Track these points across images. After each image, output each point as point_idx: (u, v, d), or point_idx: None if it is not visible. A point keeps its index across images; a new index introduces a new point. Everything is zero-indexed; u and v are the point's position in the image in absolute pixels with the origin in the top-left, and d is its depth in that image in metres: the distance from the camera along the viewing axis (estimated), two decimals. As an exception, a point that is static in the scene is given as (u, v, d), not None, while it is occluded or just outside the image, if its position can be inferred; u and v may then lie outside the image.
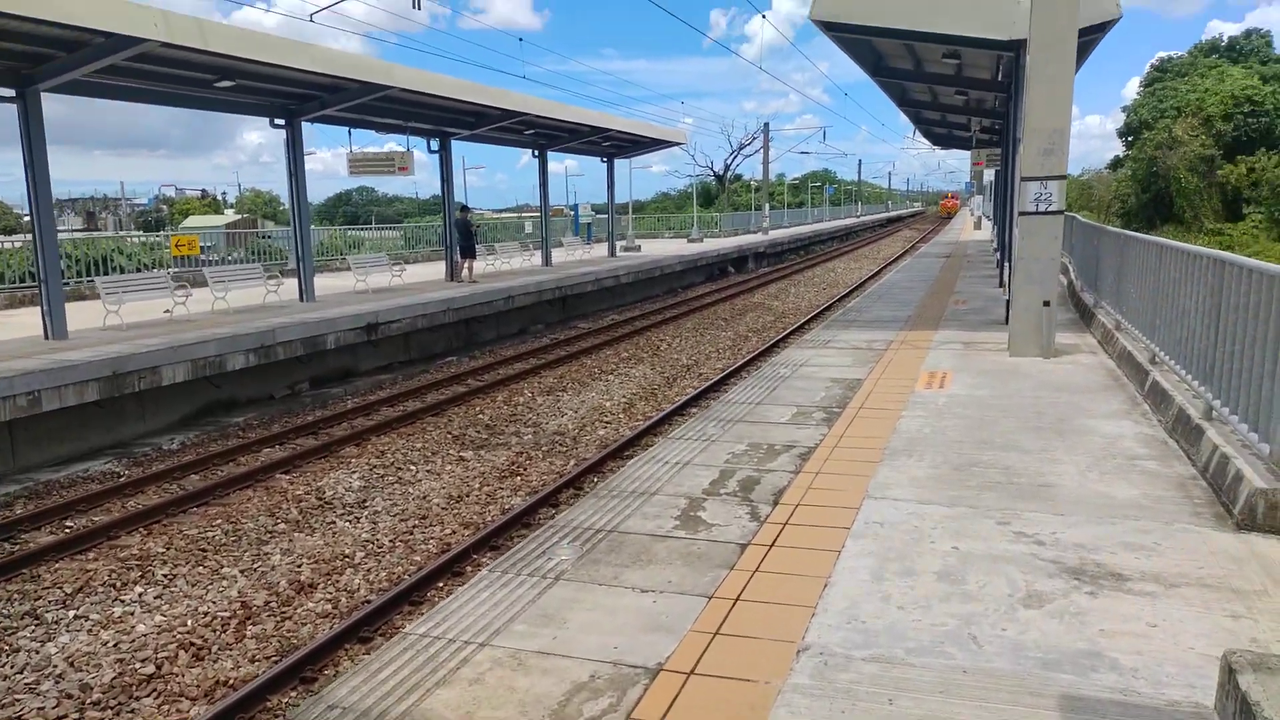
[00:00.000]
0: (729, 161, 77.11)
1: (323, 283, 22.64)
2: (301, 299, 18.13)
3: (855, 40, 12.78)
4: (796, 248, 50.85)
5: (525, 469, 10.90)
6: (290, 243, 18.09)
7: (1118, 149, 60.77)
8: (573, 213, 43.37)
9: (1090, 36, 10.56)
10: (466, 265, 22.21)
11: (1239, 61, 51.65)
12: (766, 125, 52.79)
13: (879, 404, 7.49)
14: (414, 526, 8.95)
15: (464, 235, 22.02)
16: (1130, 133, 54.34)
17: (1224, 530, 4.38)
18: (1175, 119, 48.72)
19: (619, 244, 36.84)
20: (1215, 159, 46.66)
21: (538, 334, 22.03)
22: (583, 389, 15.40)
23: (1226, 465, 4.81)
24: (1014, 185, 9.78)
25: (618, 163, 32.48)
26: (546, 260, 27.88)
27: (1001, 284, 16.06)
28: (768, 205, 51.22)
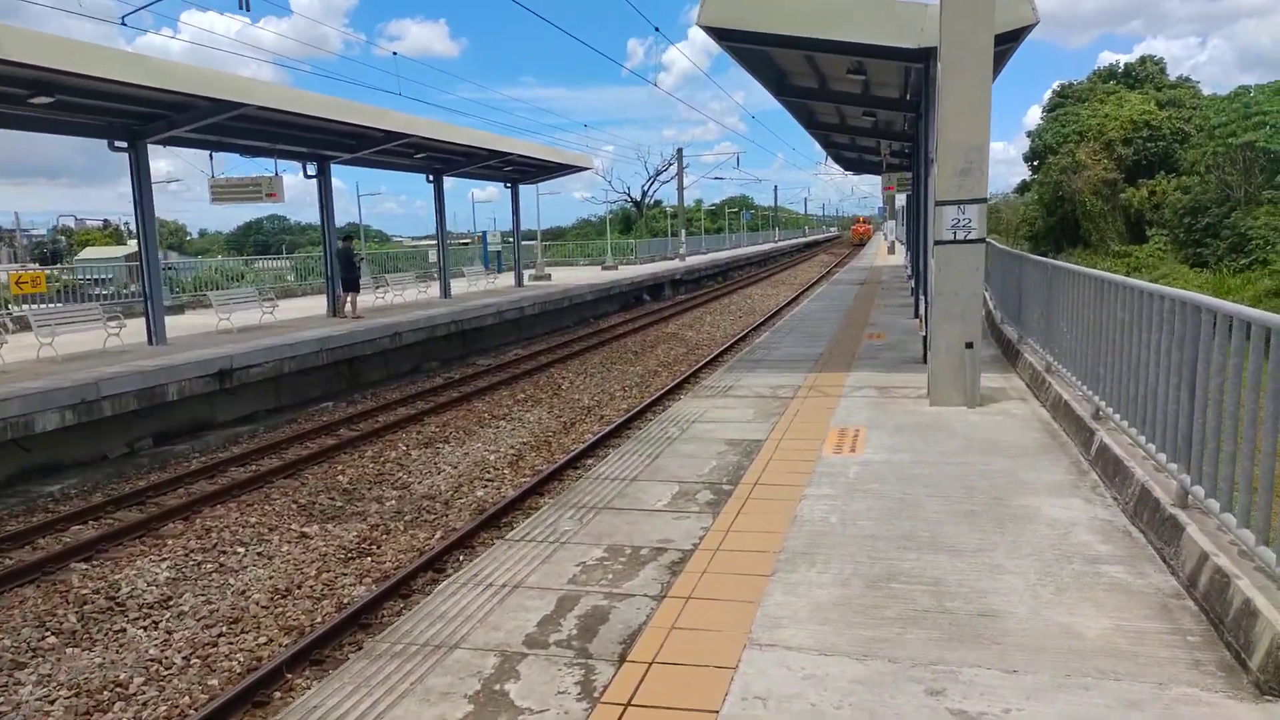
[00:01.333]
0: (645, 188, 76.44)
1: (192, 321, 20.57)
2: (151, 342, 16.09)
3: (751, 52, 11.61)
4: (714, 274, 50.04)
5: (380, 546, 9.24)
6: (143, 278, 16.07)
7: (1022, 173, 61.97)
8: (482, 240, 41.68)
9: (1005, 45, 9.54)
10: (349, 299, 20.39)
11: (1135, 87, 52.99)
12: (680, 151, 52.08)
13: (779, 477, 6.12)
14: (220, 635, 7.22)
15: (345, 267, 20.20)
16: (1035, 157, 55.23)
17: (1241, 696, 3.09)
18: (1078, 144, 49.56)
19: (528, 273, 35.31)
20: (1118, 182, 47.48)
21: (432, 373, 20.34)
22: (468, 439, 13.80)
23: (1226, 588, 3.55)
24: (927, 210, 8.63)
25: (527, 189, 31.06)
26: (445, 292, 26.17)
27: (917, 315, 15.05)
28: (684, 231, 50.32)
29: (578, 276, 36.65)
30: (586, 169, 30.50)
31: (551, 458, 12.62)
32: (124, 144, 15.55)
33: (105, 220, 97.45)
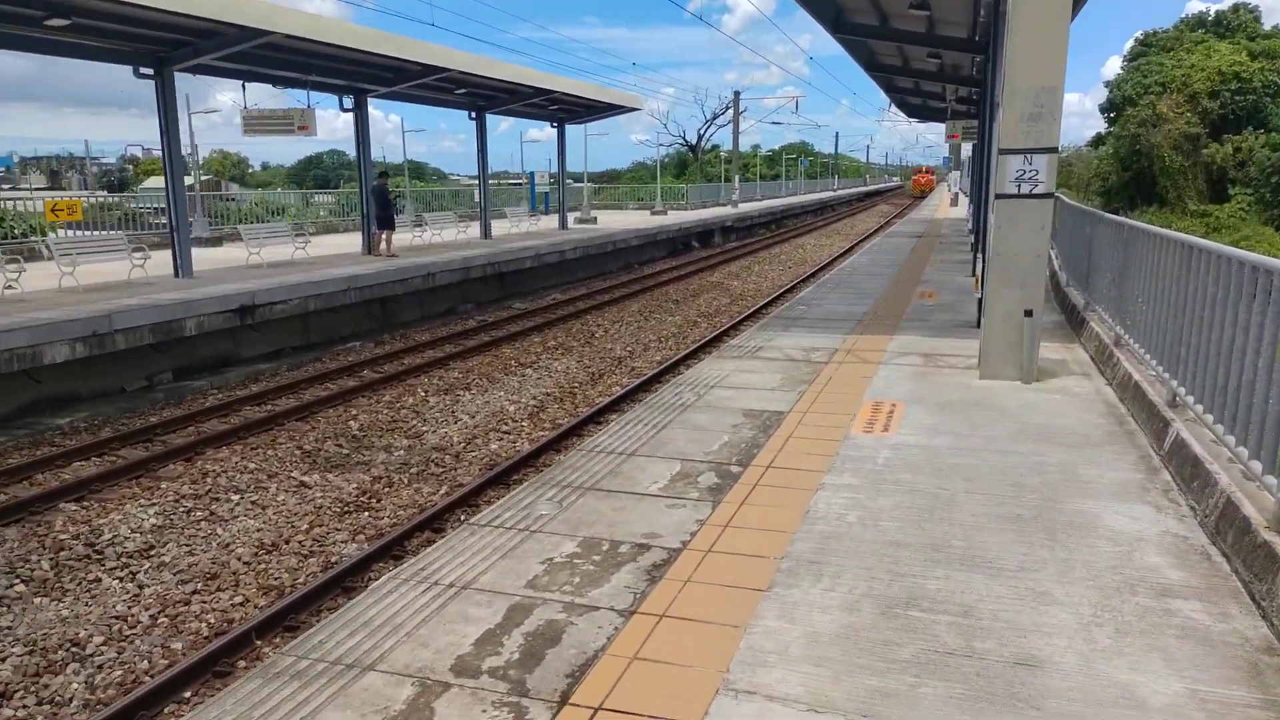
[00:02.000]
0: (702, 131, 74.60)
1: (227, 254, 20.27)
2: (177, 274, 15.75)
3: (805, -22, 10.54)
4: (767, 222, 48.70)
5: (380, 500, 8.74)
6: (168, 207, 15.68)
7: (1097, 126, 58.96)
8: (529, 181, 40.88)
9: (1091, -27, 8.40)
10: (384, 237, 19.86)
11: (1226, 37, 49.70)
12: (737, 94, 50.27)
13: (796, 460, 5.37)
14: (194, 592, 6.77)
15: (381, 204, 19.63)
16: (1113, 109, 52.36)
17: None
18: (1160, 95, 46.78)
19: (573, 216, 34.50)
20: (1201, 137, 44.82)
21: (465, 315, 19.82)
22: (491, 386, 13.25)
23: (1344, 655, 2.74)
24: (991, 160, 7.64)
25: (575, 130, 30.13)
26: (486, 233, 25.54)
27: (974, 273, 13.98)
28: (738, 177, 48.89)
29: (625, 220, 35.76)
30: (636, 109, 29.41)
31: (575, 410, 12.01)
32: (149, 71, 15.03)
33: (193, 148, 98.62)
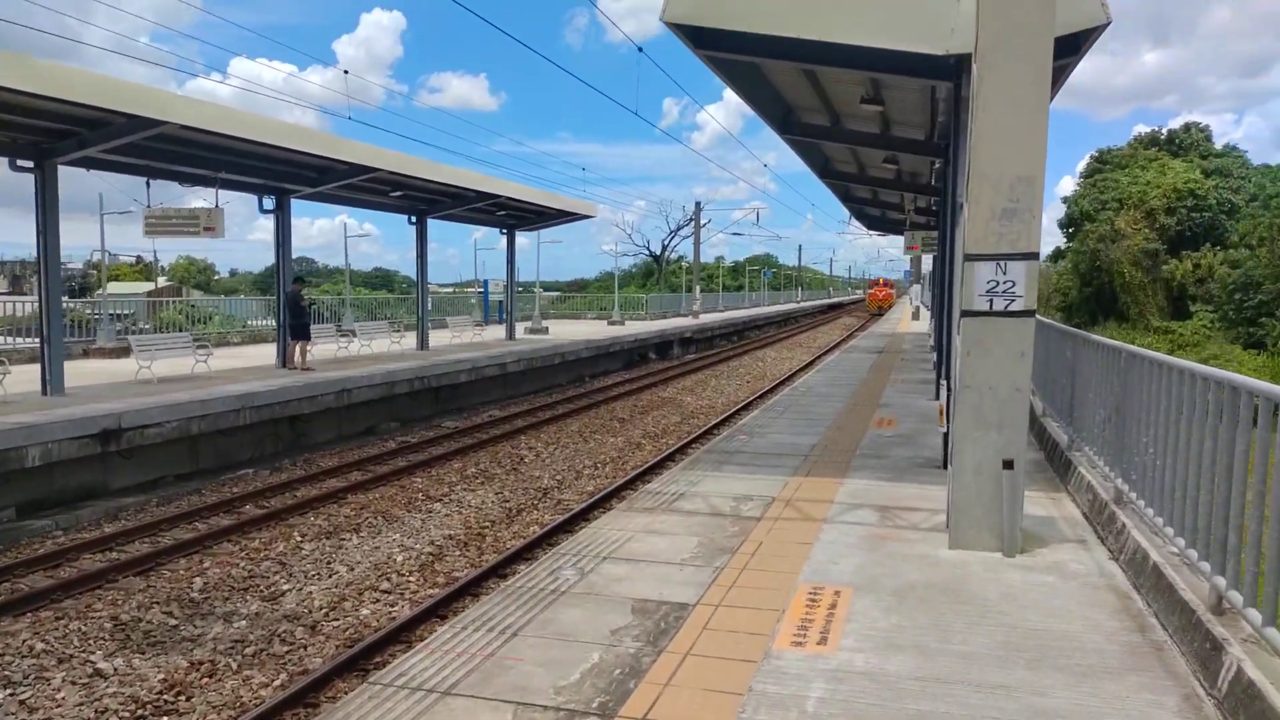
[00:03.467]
0: (666, 242, 74.64)
1: (122, 368, 18.31)
2: (45, 391, 13.88)
3: (740, 66, 9.33)
4: (729, 333, 47.71)
5: (190, 697, 6.77)
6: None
7: (1055, 241, 59.51)
8: (483, 288, 39.70)
9: (1065, 59, 7.17)
10: (299, 349, 18.17)
11: (1179, 155, 50.61)
12: (698, 205, 50.14)
13: (687, 704, 3.62)
14: None
15: (294, 312, 18.02)
16: (1071, 224, 52.76)
17: None
18: (1117, 211, 47.11)
19: (524, 325, 33.14)
20: (1159, 253, 44.88)
21: (388, 435, 18.02)
22: (386, 527, 11.39)
23: None
24: (955, 269, 6.20)
25: (527, 237, 29.05)
26: (422, 344, 23.93)
27: (937, 399, 12.50)
28: (699, 288, 48.15)
29: (580, 331, 34.44)
30: (588, 216, 28.43)
31: (478, 559, 10.19)
32: (28, 164, 13.54)
33: (138, 256, 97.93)
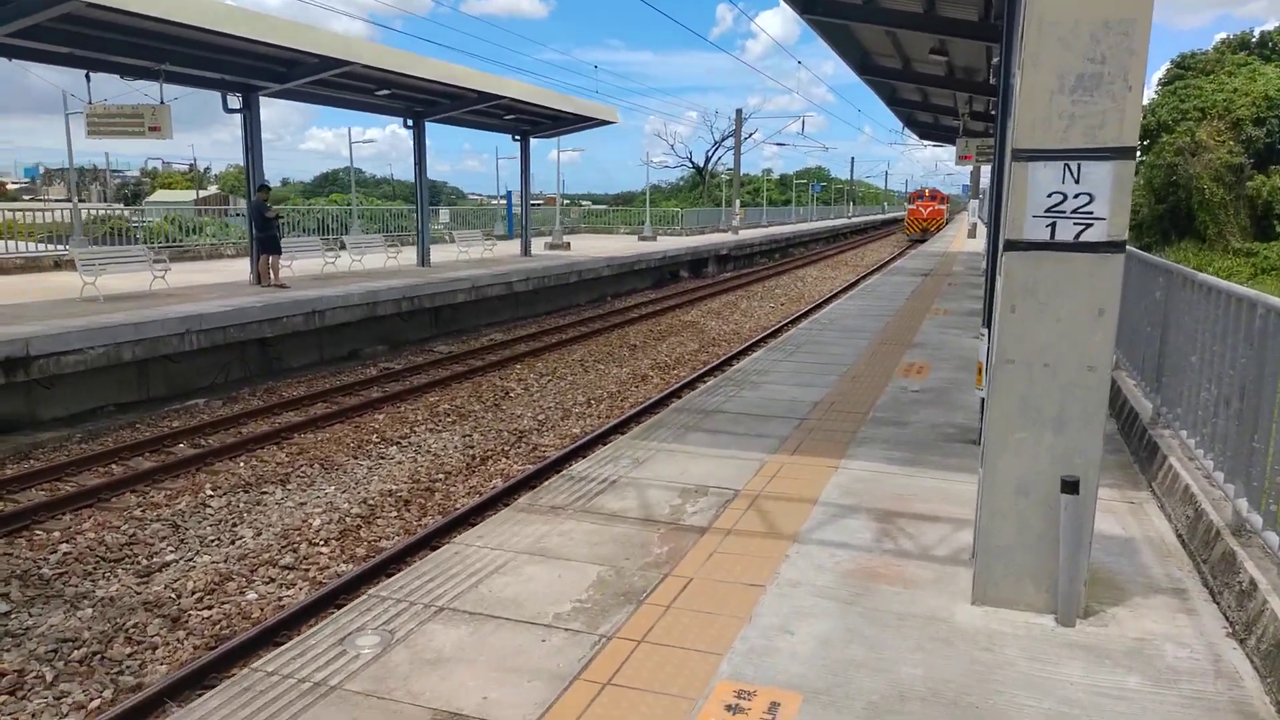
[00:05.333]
0: (710, 154, 71.11)
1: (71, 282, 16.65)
2: (-38, 311, 12.36)
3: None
4: (769, 250, 45.15)
5: (-31, 728, 5.21)
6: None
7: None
8: (507, 200, 37.55)
9: None
10: (268, 263, 16.43)
11: (1272, 59, 45.87)
12: (739, 112, 46.77)
13: None
14: None
15: (259, 224, 16.20)
16: (1146, 136, 48.54)
17: None
18: (1199, 122, 42.95)
19: (544, 240, 31.14)
20: (1245, 168, 40.88)
21: (371, 360, 16.41)
22: (323, 476, 9.78)
23: None
24: (1001, 175, 4.05)
25: (545, 144, 26.81)
26: (423, 259, 22.09)
27: (985, 326, 10.30)
28: (738, 201, 45.37)
29: (606, 246, 32.30)
30: (609, 121, 25.98)
31: (417, 522, 8.55)
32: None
33: (191, 164, 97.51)
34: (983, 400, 6.30)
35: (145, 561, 7.53)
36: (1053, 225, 3.53)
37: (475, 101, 20.60)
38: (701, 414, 7.23)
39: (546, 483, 5.44)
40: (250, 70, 15.87)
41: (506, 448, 11.18)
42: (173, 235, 23.34)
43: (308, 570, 7.53)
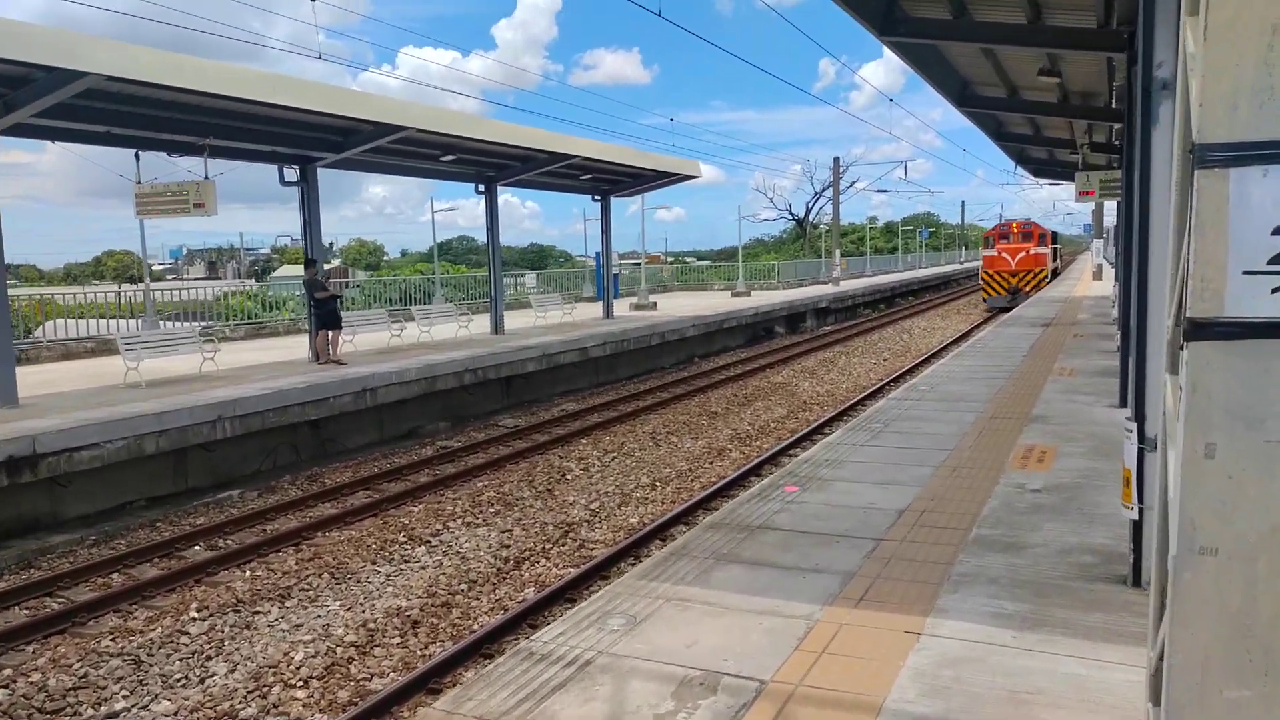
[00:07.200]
0: (810, 204, 69.29)
1: (152, 366, 15.99)
2: (-6, 403, 11.80)
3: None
4: (874, 301, 42.92)
5: None
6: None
7: None
8: (596, 262, 36.70)
9: None
10: (328, 339, 15.61)
11: None
12: (836, 160, 45.01)
13: None
14: None
15: (316, 300, 15.41)
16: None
17: None
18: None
19: (630, 301, 29.98)
20: None
21: (431, 438, 15.36)
22: (331, 587, 8.60)
23: None
24: (1149, 198, 2.31)
25: (628, 202, 25.80)
26: (496, 327, 21.11)
27: (1123, 403, 8.20)
28: (838, 251, 43.34)
29: (695, 305, 30.89)
30: (692, 176, 24.80)
31: (421, 651, 7.16)
32: None
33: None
34: (1134, 523, 4.45)
35: (88, 713, 6.32)
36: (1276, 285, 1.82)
37: (547, 162, 19.68)
38: (744, 532, 5.54)
39: (493, 666, 3.86)
40: (303, 141, 15.27)
41: (549, 545, 9.71)
42: (252, 311, 23.15)
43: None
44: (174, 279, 75.31)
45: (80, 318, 20.88)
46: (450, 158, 18.08)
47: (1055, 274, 42.31)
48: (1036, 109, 14.33)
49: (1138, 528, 4.33)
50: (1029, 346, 15.84)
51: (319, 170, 16.17)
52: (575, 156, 19.44)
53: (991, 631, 3.90)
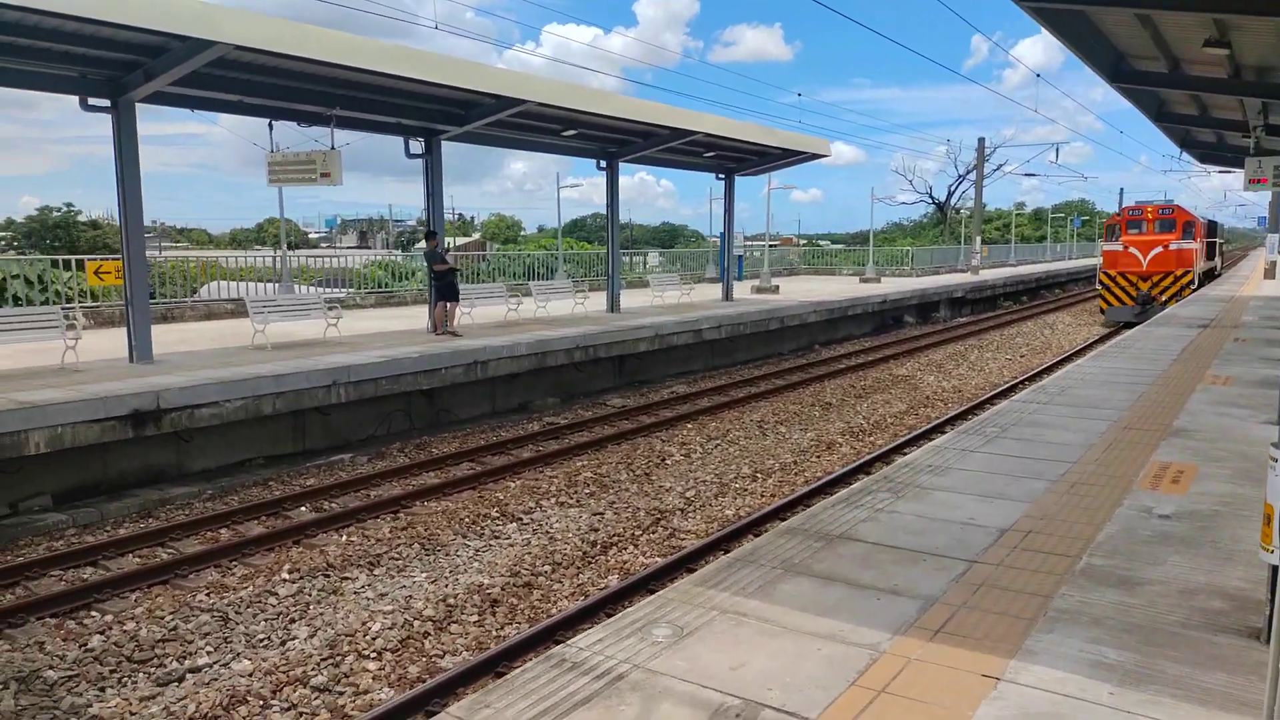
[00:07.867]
0: (952, 188, 66.20)
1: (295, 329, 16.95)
2: (131, 358, 12.49)
3: None
4: (1016, 291, 40.75)
5: None
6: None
7: None
8: (721, 242, 36.12)
9: None
10: (445, 311, 15.85)
11: None
12: (981, 141, 42.70)
13: None
14: None
15: (435, 273, 15.63)
16: None
17: None
18: None
19: (751, 284, 29.38)
20: None
21: (537, 413, 15.46)
22: (420, 558, 8.74)
23: None
24: None
25: (751, 181, 25.15)
26: (612, 305, 21.02)
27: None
28: (979, 238, 41.25)
29: (820, 289, 30.02)
30: (821, 155, 23.94)
31: (496, 633, 7.10)
32: (103, 103, 12.01)
33: (459, 214, 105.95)
34: (1273, 568, 3.81)
35: (172, 666, 6.50)
36: None
37: (669, 138, 19.37)
38: (821, 541, 5.11)
39: (519, 671, 3.62)
40: (427, 114, 15.48)
41: (639, 532, 9.49)
42: (382, 280, 23.90)
43: (340, 696, 6.17)
44: (328, 247, 79.21)
45: (240, 280, 22.15)
46: (571, 132, 18.00)
47: (1213, 275, 36.05)
48: (1202, 85, 12.93)
49: (1276, 574, 3.69)
50: (1180, 349, 14.47)
51: (443, 143, 16.41)
52: (697, 133, 19.04)
53: (1085, 684, 3.38)
